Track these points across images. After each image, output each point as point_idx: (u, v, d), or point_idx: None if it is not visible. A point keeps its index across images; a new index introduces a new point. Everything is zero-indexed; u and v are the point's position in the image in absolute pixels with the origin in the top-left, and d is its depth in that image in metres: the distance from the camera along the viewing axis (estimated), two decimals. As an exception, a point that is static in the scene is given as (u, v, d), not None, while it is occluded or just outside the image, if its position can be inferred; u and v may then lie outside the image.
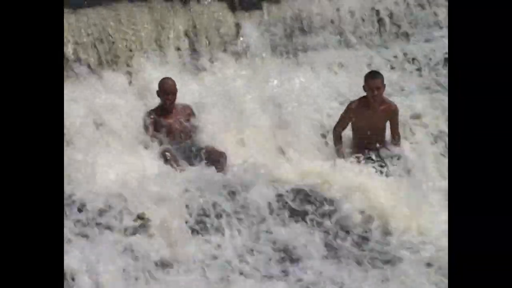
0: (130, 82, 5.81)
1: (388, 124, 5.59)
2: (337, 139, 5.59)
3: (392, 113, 5.58)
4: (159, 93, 5.30)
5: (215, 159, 5.04)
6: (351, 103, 5.59)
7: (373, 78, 5.45)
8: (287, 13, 6.66)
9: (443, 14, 7.01)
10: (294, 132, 5.75)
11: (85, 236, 4.02)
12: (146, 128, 5.31)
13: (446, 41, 6.62)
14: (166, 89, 5.26)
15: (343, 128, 5.58)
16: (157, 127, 5.28)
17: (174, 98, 5.30)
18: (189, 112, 5.42)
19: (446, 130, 5.67)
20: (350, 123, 5.62)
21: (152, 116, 5.33)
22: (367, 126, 5.50)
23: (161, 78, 5.47)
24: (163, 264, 3.91)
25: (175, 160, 5.13)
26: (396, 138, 5.61)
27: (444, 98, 6.09)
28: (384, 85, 5.53)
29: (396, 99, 5.76)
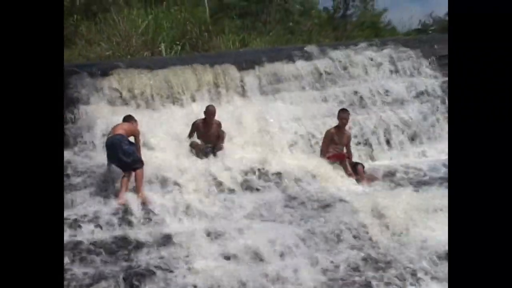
0: (181, 110, 7.98)
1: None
2: (324, 152, 7.08)
3: (349, 136, 7.44)
4: (205, 113, 7.23)
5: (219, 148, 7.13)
6: (329, 130, 7.18)
7: (344, 112, 7.26)
8: (268, 71, 8.73)
9: (356, 71, 9.18)
10: (273, 137, 7.89)
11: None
12: (191, 130, 7.13)
13: (360, 85, 8.76)
14: (209, 111, 7.25)
15: (328, 146, 7.15)
16: (199, 132, 7.22)
17: (214, 117, 7.27)
18: (218, 126, 7.23)
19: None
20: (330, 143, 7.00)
21: (197, 124, 7.15)
22: (340, 143, 7.19)
23: (206, 105, 7.37)
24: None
25: (200, 150, 6.91)
26: (350, 151, 7.46)
27: (360, 119, 8.17)
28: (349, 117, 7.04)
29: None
